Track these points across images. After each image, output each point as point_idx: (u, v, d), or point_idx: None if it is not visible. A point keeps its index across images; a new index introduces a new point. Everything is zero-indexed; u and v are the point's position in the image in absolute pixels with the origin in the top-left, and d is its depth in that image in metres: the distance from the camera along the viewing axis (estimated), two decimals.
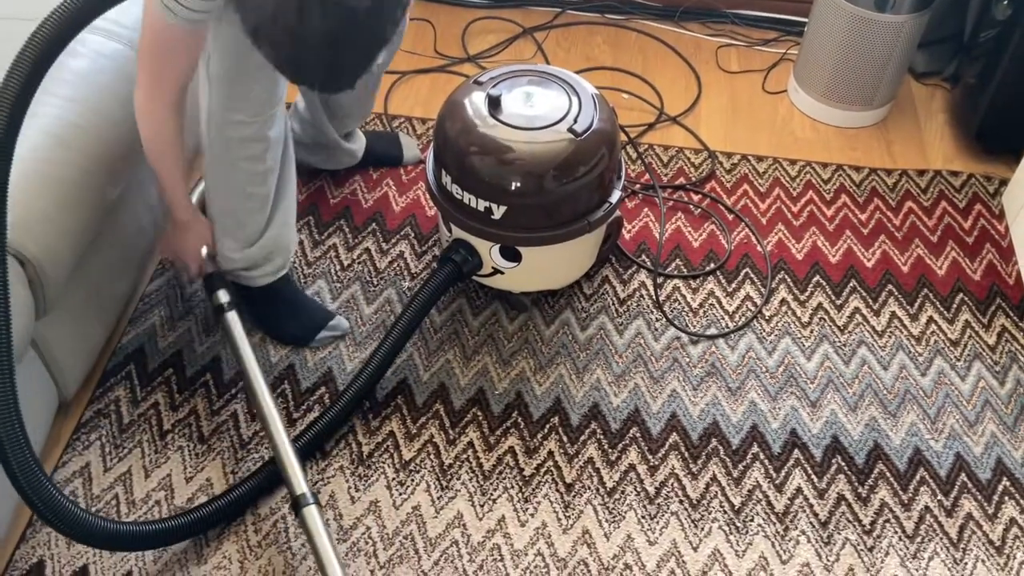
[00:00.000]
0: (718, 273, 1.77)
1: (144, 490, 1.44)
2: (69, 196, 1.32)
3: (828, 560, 1.40)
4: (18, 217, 1.24)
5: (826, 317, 1.70)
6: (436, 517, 1.42)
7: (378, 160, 1.92)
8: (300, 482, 1.33)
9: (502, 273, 1.61)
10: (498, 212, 1.50)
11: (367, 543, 1.39)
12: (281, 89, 1.42)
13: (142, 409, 1.53)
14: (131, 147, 1.43)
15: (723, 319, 1.69)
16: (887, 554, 1.41)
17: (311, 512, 1.30)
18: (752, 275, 1.77)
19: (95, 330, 1.52)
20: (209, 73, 1.35)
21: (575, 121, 1.50)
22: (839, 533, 1.43)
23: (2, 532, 1.33)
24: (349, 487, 1.45)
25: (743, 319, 1.69)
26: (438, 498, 1.45)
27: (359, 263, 1.76)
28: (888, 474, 1.49)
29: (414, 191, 1.89)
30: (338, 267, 1.75)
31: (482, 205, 1.51)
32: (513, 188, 1.48)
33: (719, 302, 1.72)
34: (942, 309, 1.72)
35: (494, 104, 1.52)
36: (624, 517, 1.43)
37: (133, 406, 1.53)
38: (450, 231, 1.62)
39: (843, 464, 1.50)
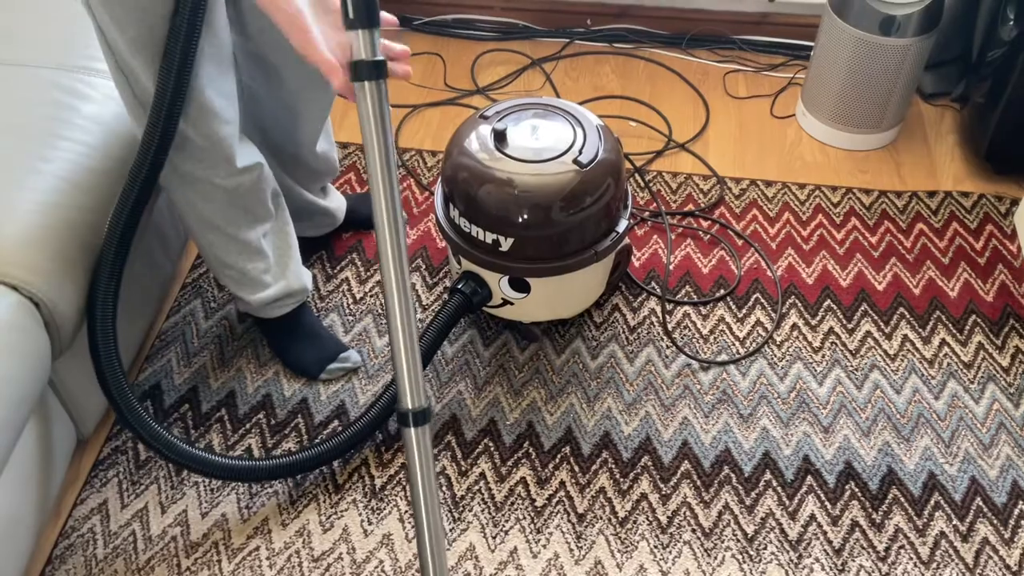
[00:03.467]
0: (728, 299, 1.77)
1: (160, 526, 1.45)
2: (84, 239, 1.35)
3: None
4: (33, 260, 1.27)
5: (838, 341, 1.70)
6: (448, 549, 1.43)
7: (362, 223, 1.88)
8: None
9: (512, 304, 1.63)
10: (506, 244, 1.52)
11: None
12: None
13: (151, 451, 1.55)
14: None
15: (734, 345, 1.70)
16: None
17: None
18: (763, 300, 1.77)
19: None
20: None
21: (580, 152, 1.52)
22: (853, 560, 1.42)
23: (20, 569, 1.35)
24: (362, 520, 1.46)
25: (754, 345, 1.69)
26: (450, 530, 1.45)
27: (371, 296, 1.78)
28: (902, 499, 1.49)
29: (424, 223, 1.91)
30: (350, 300, 1.77)
31: (490, 237, 1.52)
32: (520, 220, 1.50)
33: (729, 328, 1.72)
34: (955, 331, 1.71)
35: (500, 138, 1.54)
36: (636, 547, 1.43)
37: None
38: (459, 263, 1.63)
39: (857, 490, 1.50)
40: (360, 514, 1.47)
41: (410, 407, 1.17)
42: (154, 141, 1.28)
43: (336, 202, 1.81)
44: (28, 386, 1.24)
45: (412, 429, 1.17)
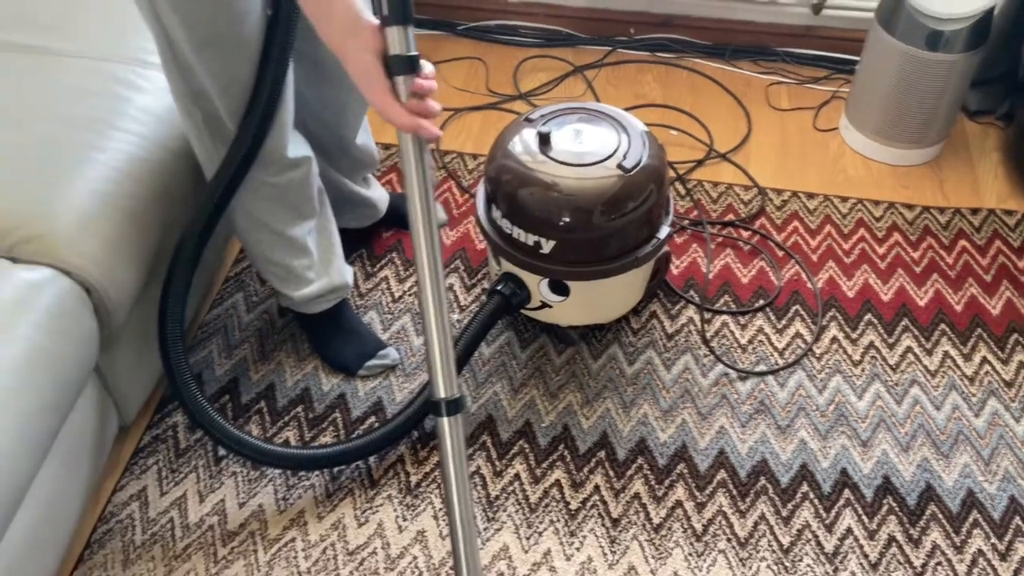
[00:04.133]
0: (767, 310, 1.77)
1: (198, 514, 1.47)
2: (135, 227, 1.37)
3: None
4: (87, 247, 1.30)
5: (877, 356, 1.69)
6: (482, 549, 1.43)
7: (404, 220, 1.88)
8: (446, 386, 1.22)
9: (550, 307, 1.63)
10: (547, 246, 1.52)
11: (413, 572, 1.41)
12: None
13: (198, 435, 1.56)
14: (194, 180, 1.49)
15: (772, 356, 1.69)
16: None
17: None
18: (802, 312, 1.76)
19: (155, 358, 1.57)
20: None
21: (624, 157, 1.52)
22: (890, 575, 1.40)
23: (61, 552, 1.37)
24: (397, 516, 1.47)
25: (793, 356, 1.69)
26: (484, 529, 1.46)
27: (410, 295, 1.79)
28: (940, 516, 1.47)
29: (464, 225, 1.93)
30: (389, 299, 1.78)
31: (531, 239, 1.53)
32: (562, 223, 1.50)
33: (768, 339, 1.72)
34: (996, 349, 1.69)
35: (544, 141, 1.54)
36: (671, 554, 1.43)
37: (190, 432, 1.57)
38: (499, 265, 1.64)
39: (894, 505, 1.48)
40: (395, 510, 1.48)
41: (443, 396, 1.20)
42: (251, 131, 1.33)
43: (378, 193, 1.83)
44: (76, 371, 1.27)
45: (445, 418, 1.20)
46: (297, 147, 1.44)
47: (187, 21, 1.22)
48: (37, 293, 1.23)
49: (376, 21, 1.06)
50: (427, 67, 1.10)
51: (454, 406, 1.20)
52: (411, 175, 1.13)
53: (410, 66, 1.07)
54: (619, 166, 1.51)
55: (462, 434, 1.21)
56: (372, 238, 1.89)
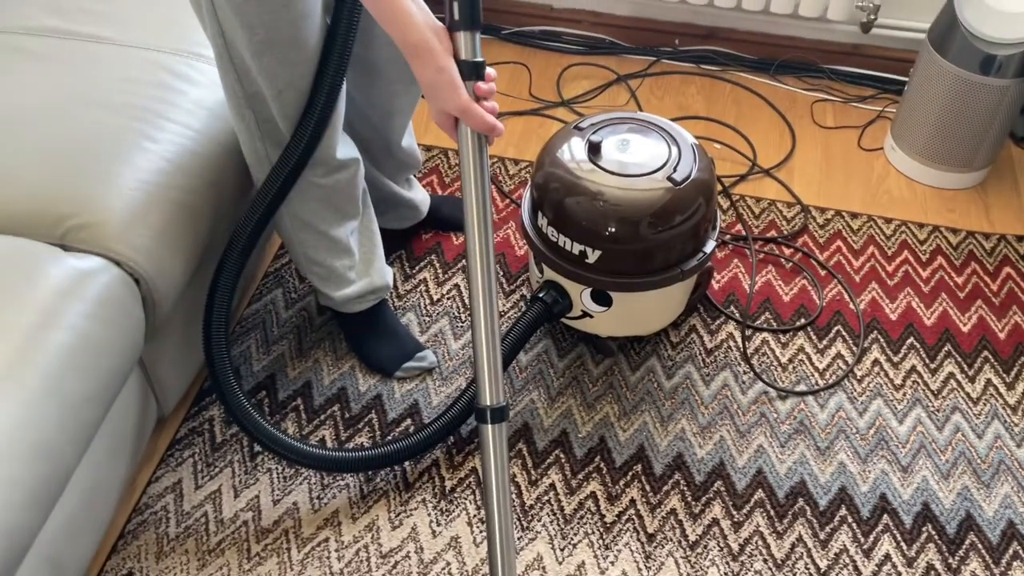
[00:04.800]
0: (809, 329, 1.75)
1: (233, 509, 1.47)
2: (184, 220, 1.37)
3: None
4: (136, 237, 1.30)
5: (919, 381, 1.67)
6: (516, 557, 1.42)
7: (443, 223, 1.89)
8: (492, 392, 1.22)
9: (591, 317, 1.62)
10: (592, 256, 1.51)
11: None
12: None
13: (235, 429, 1.56)
14: (243, 175, 1.48)
15: (813, 376, 1.67)
16: None
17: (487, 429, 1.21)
18: (844, 333, 1.74)
19: (195, 350, 1.57)
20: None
21: (674, 170, 1.51)
22: None
23: (97, 540, 1.36)
24: (431, 520, 1.46)
25: (834, 378, 1.67)
26: (518, 538, 1.45)
27: (448, 298, 1.78)
28: (980, 546, 1.45)
29: (504, 230, 1.92)
30: (427, 301, 1.78)
31: (577, 249, 1.52)
32: (609, 233, 1.49)
33: (809, 358, 1.70)
34: None
35: (594, 150, 1.54)
36: (706, 572, 1.41)
37: (226, 426, 1.57)
38: (541, 272, 1.63)
39: (933, 533, 1.46)
40: (429, 514, 1.47)
41: (489, 404, 1.20)
42: (306, 134, 1.34)
43: (420, 195, 1.83)
44: (122, 360, 1.26)
45: (489, 426, 1.19)
46: (345, 149, 1.44)
47: (248, 23, 1.22)
48: (87, 282, 1.23)
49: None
50: (490, 71, 1.11)
51: (499, 414, 1.20)
52: (469, 176, 1.14)
53: (477, 71, 1.09)
54: (669, 178, 1.50)
55: (505, 443, 1.20)
56: (412, 239, 1.88)
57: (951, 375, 1.68)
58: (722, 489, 1.51)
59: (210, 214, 1.43)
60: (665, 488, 1.51)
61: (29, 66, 1.45)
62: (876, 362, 1.69)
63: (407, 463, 1.53)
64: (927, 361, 1.70)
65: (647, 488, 1.51)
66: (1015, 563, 1.43)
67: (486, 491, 1.20)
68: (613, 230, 1.49)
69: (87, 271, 1.24)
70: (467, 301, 1.77)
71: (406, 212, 1.81)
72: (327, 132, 1.37)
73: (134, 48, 1.51)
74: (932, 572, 1.42)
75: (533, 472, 1.53)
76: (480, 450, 1.23)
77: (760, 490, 1.51)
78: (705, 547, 1.44)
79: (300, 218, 1.48)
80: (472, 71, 1.09)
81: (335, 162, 1.42)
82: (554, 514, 1.48)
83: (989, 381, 1.67)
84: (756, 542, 1.45)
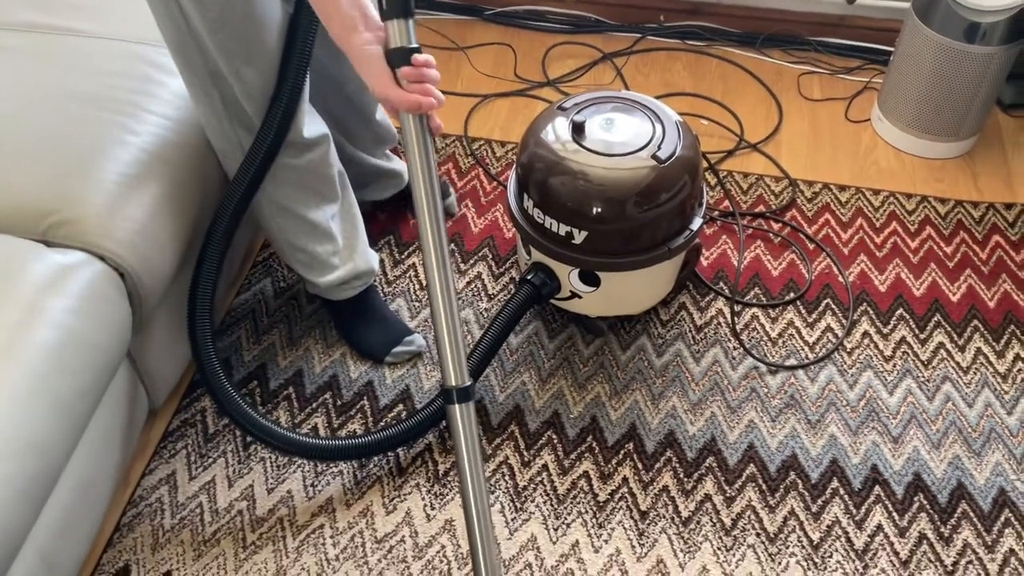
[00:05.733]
0: (798, 303, 1.75)
1: (227, 499, 1.47)
2: (168, 212, 1.37)
3: None
4: (120, 231, 1.29)
5: (909, 351, 1.67)
6: (510, 539, 1.43)
7: None
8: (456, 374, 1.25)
9: (580, 297, 1.62)
10: (579, 237, 1.51)
11: (442, 561, 1.41)
12: None
13: (227, 420, 1.56)
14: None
15: (803, 350, 1.68)
16: None
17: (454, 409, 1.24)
18: (833, 306, 1.74)
19: (185, 342, 1.57)
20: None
21: (658, 148, 1.51)
22: (920, 573, 1.39)
23: (92, 535, 1.37)
24: (425, 504, 1.47)
25: (824, 351, 1.67)
26: (512, 519, 1.45)
27: None
28: (972, 514, 1.46)
29: (492, 213, 1.91)
30: (417, 287, 1.78)
31: (563, 229, 1.52)
32: (595, 213, 1.49)
33: (799, 332, 1.70)
34: None
35: (578, 130, 1.53)
36: (699, 548, 1.42)
37: (219, 416, 1.57)
38: (529, 254, 1.63)
39: (925, 502, 1.47)
40: (423, 498, 1.48)
41: (454, 384, 1.23)
42: (277, 116, 1.35)
43: (400, 164, 1.83)
44: (110, 355, 1.27)
45: (456, 406, 1.22)
46: (313, 126, 1.44)
47: (201, 1, 1.23)
48: (71, 277, 1.23)
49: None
50: (420, 57, 1.13)
51: (464, 394, 1.23)
52: (415, 158, 1.17)
53: (405, 58, 1.12)
54: (653, 156, 1.50)
55: (474, 421, 1.23)
56: (401, 224, 1.88)
57: (941, 345, 1.68)
58: (714, 465, 1.52)
59: (194, 205, 1.43)
60: (657, 466, 1.52)
61: (7, 61, 1.44)
62: (866, 334, 1.70)
63: (400, 449, 1.54)
64: (917, 332, 1.70)
65: (639, 466, 1.52)
66: (1007, 530, 1.44)
67: (460, 470, 1.23)
68: (599, 210, 1.49)
69: (71, 266, 1.24)
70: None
71: (388, 181, 1.82)
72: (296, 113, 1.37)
73: (113, 40, 1.50)
74: (924, 541, 1.43)
75: (526, 453, 1.53)
76: (449, 431, 1.25)
77: (752, 465, 1.52)
78: (698, 523, 1.45)
79: (277, 203, 1.48)
80: (404, 59, 1.11)
81: (304, 141, 1.43)
82: (547, 495, 1.48)
83: (979, 350, 1.67)
84: (749, 516, 1.46)
